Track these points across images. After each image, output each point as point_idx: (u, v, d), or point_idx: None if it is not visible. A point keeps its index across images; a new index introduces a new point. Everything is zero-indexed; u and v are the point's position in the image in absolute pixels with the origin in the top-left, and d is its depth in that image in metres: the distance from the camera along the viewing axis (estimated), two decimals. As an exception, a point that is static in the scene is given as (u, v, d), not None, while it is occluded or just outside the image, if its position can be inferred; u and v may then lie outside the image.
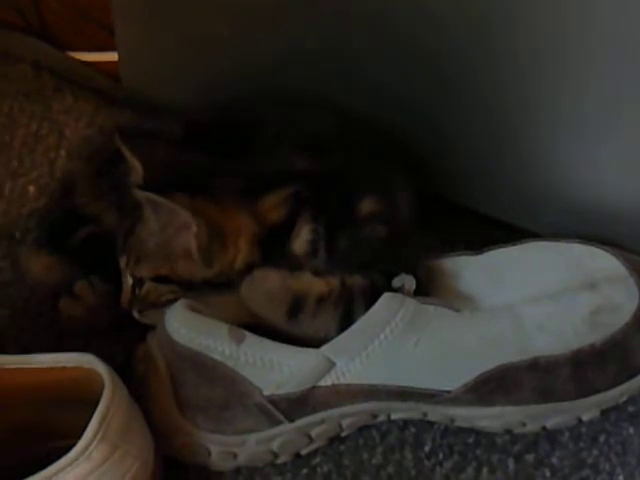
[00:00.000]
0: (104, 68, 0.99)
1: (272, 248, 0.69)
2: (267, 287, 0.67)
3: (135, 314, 0.71)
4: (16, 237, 0.84)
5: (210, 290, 0.69)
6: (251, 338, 0.65)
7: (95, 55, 1.00)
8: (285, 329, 0.67)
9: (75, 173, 0.84)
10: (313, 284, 0.67)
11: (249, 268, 0.68)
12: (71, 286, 0.75)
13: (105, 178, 0.79)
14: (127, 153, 0.71)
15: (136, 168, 0.71)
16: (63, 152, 0.91)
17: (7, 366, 0.65)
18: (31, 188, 0.88)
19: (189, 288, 0.69)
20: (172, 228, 0.67)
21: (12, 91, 0.95)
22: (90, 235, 0.78)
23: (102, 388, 0.62)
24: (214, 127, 0.78)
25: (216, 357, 0.65)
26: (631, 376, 0.66)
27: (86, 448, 0.60)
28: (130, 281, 0.71)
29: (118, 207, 0.77)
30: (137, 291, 0.71)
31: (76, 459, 0.60)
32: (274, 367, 0.65)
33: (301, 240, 0.69)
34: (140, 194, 0.67)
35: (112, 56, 0.97)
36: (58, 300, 0.76)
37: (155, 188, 0.68)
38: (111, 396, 0.61)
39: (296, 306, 0.67)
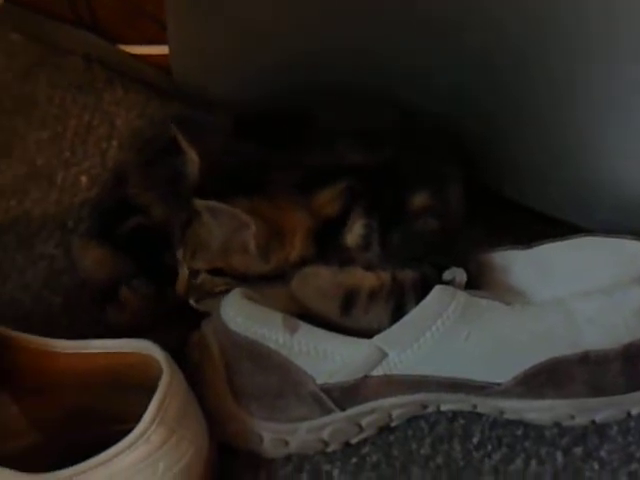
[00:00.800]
0: (155, 61, 1.00)
1: (325, 242, 0.70)
2: (319, 284, 0.68)
3: (191, 302, 0.72)
4: (69, 226, 0.85)
5: (264, 283, 0.70)
6: (305, 327, 0.66)
7: (146, 48, 1.01)
8: (338, 323, 0.68)
9: (126, 163, 0.85)
10: (364, 278, 0.68)
11: (303, 262, 0.69)
12: (116, 290, 0.76)
13: (156, 169, 0.80)
14: (184, 143, 0.72)
15: (192, 159, 0.72)
16: (114, 143, 0.92)
17: (66, 351, 0.67)
18: (83, 178, 0.89)
19: (243, 280, 0.70)
20: (230, 228, 0.68)
21: (64, 83, 0.97)
22: (138, 226, 0.79)
23: (158, 374, 0.63)
24: (266, 120, 0.78)
25: (271, 346, 0.66)
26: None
27: (145, 432, 0.61)
28: (186, 271, 0.72)
29: (168, 199, 0.78)
30: (193, 281, 0.72)
31: (135, 442, 0.61)
32: (327, 356, 0.66)
33: (354, 234, 0.70)
34: (199, 203, 0.67)
35: (163, 49, 0.98)
36: (105, 300, 0.77)
37: (211, 184, 0.69)
38: (169, 381, 0.62)
39: (348, 301, 0.68)
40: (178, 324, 0.74)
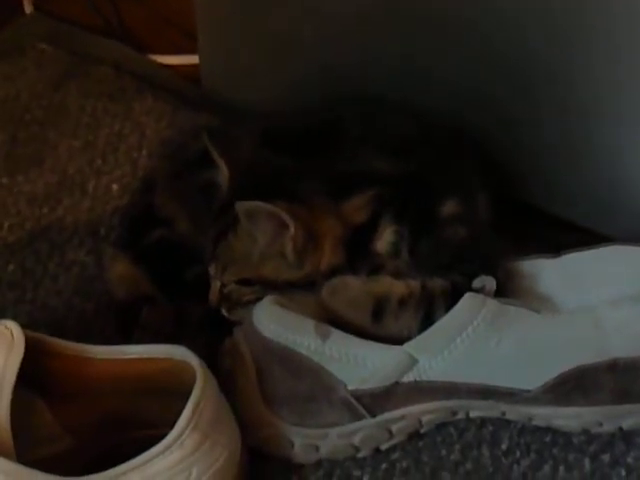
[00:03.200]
0: (184, 71, 1.01)
1: (355, 249, 0.71)
2: (349, 294, 0.69)
3: (224, 312, 0.73)
4: (100, 234, 0.86)
5: (293, 291, 0.71)
6: (336, 334, 0.67)
7: (175, 58, 1.02)
8: (369, 331, 0.68)
9: (155, 172, 0.86)
10: (394, 286, 0.69)
11: (333, 269, 0.70)
12: (138, 310, 0.77)
13: (183, 182, 0.81)
14: (215, 154, 0.73)
15: (222, 170, 0.73)
16: (145, 152, 0.93)
17: (101, 356, 0.68)
18: (114, 186, 0.90)
19: (272, 289, 0.71)
20: (267, 233, 0.69)
21: (95, 92, 0.98)
22: (162, 238, 0.80)
23: (192, 380, 0.64)
24: (295, 131, 0.79)
25: (302, 352, 0.67)
26: None
27: (179, 436, 0.62)
28: (218, 283, 0.73)
29: (195, 213, 0.79)
30: (223, 291, 0.73)
31: (169, 447, 0.62)
32: (358, 362, 0.67)
33: (384, 241, 0.71)
34: (242, 205, 0.68)
35: (192, 59, 0.99)
36: (126, 318, 0.78)
37: (241, 194, 0.70)
38: (203, 387, 0.63)
39: (379, 309, 0.68)
40: (206, 334, 0.75)
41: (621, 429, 0.70)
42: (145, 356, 0.67)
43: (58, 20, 1.06)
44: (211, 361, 0.68)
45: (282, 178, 0.73)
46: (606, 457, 0.70)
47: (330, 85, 0.87)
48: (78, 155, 0.93)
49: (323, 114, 0.81)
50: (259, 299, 0.70)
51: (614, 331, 0.67)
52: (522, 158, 0.82)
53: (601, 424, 0.69)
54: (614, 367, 0.66)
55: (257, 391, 0.68)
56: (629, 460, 0.70)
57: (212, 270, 0.73)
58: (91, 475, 0.63)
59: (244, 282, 0.72)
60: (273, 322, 0.67)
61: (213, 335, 0.74)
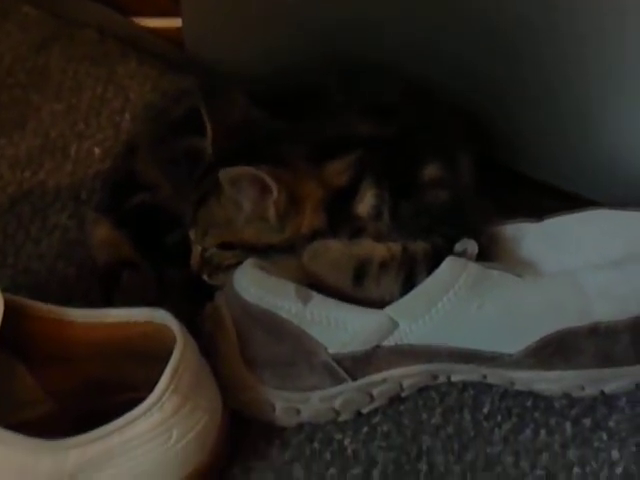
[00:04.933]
0: (168, 34, 1.00)
1: (336, 212, 0.71)
2: (330, 257, 0.69)
3: (205, 277, 0.73)
4: (82, 198, 0.86)
5: (272, 254, 0.71)
6: (317, 297, 0.67)
7: (159, 21, 1.01)
8: (350, 294, 0.68)
9: (138, 137, 0.86)
10: (375, 250, 0.69)
11: (314, 233, 0.70)
12: (119, 274, 0.77)
13: (165, 147, 0.81)
14: (205, 115, 0.72)
15: (207, 133, 0.72)
16: (128, 116, 0.93)
17: (82, 320, 0.67)
18: (97, 150, 0.90)
19: (253, 252, 0.71)
20: (251, 198, 0.69)
21: (79, 55, 0.97)
22: (143, 203, 0.80)
23: (173, 343, 0.64)
24: (279, 93, 0.79)
25: (283, 315, 0.66)
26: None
27: (159, 399, 0.62)
28: (199, 248, 0.73)
29: (176, 178, 0.79)
30: (204, 256, 0.73)
31: (149, 409, 0.62)
32: (339, 326, 0.66)
33: (365, 204, 0.70)
34: (226, 173, 0.68)
35: (176, 22, 0.98)
36: (108, 282, 0.77)
37: (224, 156, 0.70)
38: (182, 350, 0.63)
39: (360, 272, 0.68)
40: (187, 299, 0.75)
41: (603, 393, 0.70)
42: (125, 320, 0.67)
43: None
44: (192, 325, 0.68)
45: (265, 142, 0.73)
46: (587, 421, 0.70)
47: (314, 47, 0.86)
48: (61, 118, 0.92)
49: (306, 77, 0.81)
50: (240, 263, 0.69)
51: (596, 295, 0.67)
52: (506, 123, 0.82)
53: (583, 388, 0.69)
54: (595, 331, 0.66)
55: (238, 355, 0.68)
56: (610, 424, 0.70)
57: (193, 234, 0.73)
58: (71, 438, 0.63)
59: (225, 246, 0.72)
60: (254, 286, 0.67)
61: (194, 300, 0.73)
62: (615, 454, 0.67)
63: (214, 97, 0.77)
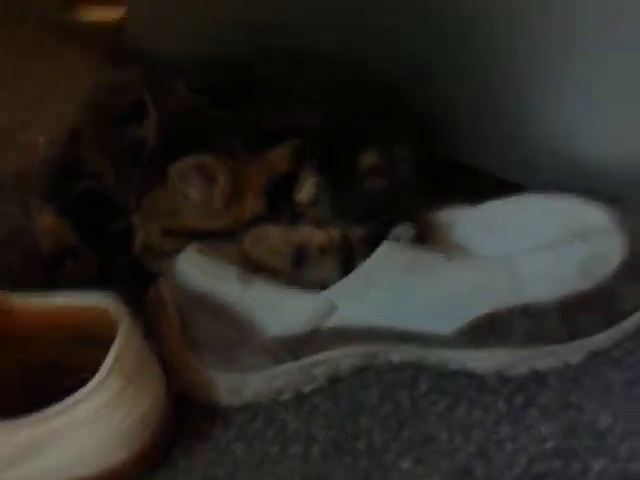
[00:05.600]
0: (111, 24, 1.01)
1: (277, 200, 0.72)
2: (270, 243, 0.71)
3: (148, 263, 0.75)
4: (27, 186, 0.87)
5: (214, 240, 0.72)
6: (258, 281, 0.68)
7: (101, 10, 1.02)
8: (291, 278, 0.70)
9: (82, 126, 0.87)
10: (314, 235, 0.71)
11: (255, 219, 0.72)
12: (63, 260, 0.78)
13: (110, 135, 0.81)
14: (149, 104, 0.74)
15: (152, 121, 0.74)
16: (72, 105, 0.93)
17: (27, 304, 0.69)
18: (41, 139, 0.91)
19: (195, 238, 0.72)
20: (197, 187, 0.71)
21: (22, 45, 0.98)
22: (87, 190, 0.81)
23: (117, 327, 0.65)
24: (220, 82, 0.80)
25: (225, 299, 0.68)
26: (617, 322, 0.70)
27: (103, 381, 0.63)
28: (143, 235, 0.75)
29: (120, 166, 0.79)
30: (146, 242, 0.75)
31: (92, 392, 0.63)
32: (280, 309, 0.68)
33: (305, 192, 0.72)
34: (175, 168, 0.69)
35: (118, 11, 0.99)
36: (52, 268, 0.79)
37: (167, 145, 0.72)
38: (126, 333, 0.65)
39: (299, 257, 0.70)
40: (131, 284, 0.76)
41: (534, 371, 0.72)
42: (71, 305, 0.68)
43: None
44: (136, 310, 0.69)
45: (207, 131, 0.74)
46: (519, 398, 0.72)
47: (255, 36, 0.87)
48: (5, 107, 0.93)
49: (248, 67, 0.82)
50: (182, 249, 0.71)
51: (527, 276, 0.69)
52: (442, 112, 0.84)
53: (515, 367, 0.72)
54: (526, 311, 0.69)
55: (181, 338, 0.70)
56: (542, 401, 0.72)
57: (136, 221, 0.75)
58: (19, 419, 0.64)
59: (168, 233, 0.73)
60: (196, 270, 0.69)
61: (138, 285, 0.75)
62: (545, 430, 0.70)
63: (157, 87, 0.78)
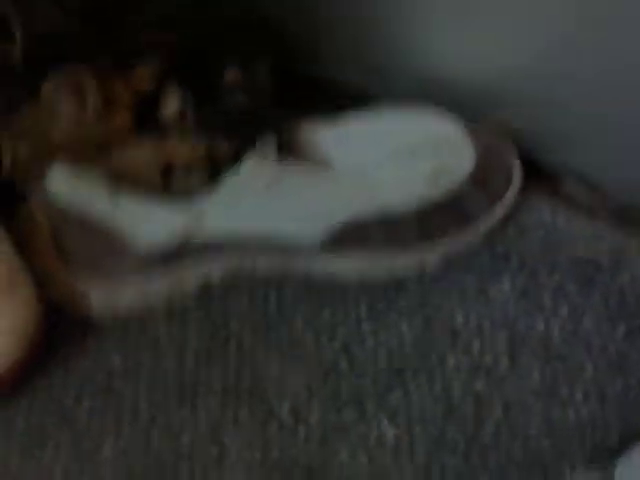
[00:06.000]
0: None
1: (144, 116, 0.74)
2: (139, 158, 0.72)
3: (17, 181, 0.76)
4: None
5: (83, 156, 0.74)
6: (127, 196, 0.70)
7: None
8: (161, 193, 0.72)
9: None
10: (180, 150, 0.73)
11: (124, 135, 0.73)
12: None
13: None
14: (13, 21, 0.74)
15: (18, 38, 0.74)
16: None
17: None
18: None
19: (63, 155, 0.73)
20: (69, 103, 0.71)
21: None
22: None
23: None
24: (89, 2, 0.81)
25: (96, 213, 0.70)
26: (467, 225, 0.75)
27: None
28: (10, 155, 0.75)
29: None
30: (16, 162, 0.75)
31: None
32: (150, 221, 0.71)
33: (170, 108, 0.74)
34: (47, 86, 0.70)
35: None
36: None
37: (31, 63, 0.72)
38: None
39: (167, 172, 0.72)
40: (1, 203, 0.77)
41: (393, 276, 0.77)
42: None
43: None
44: (7, 229, 0.71)
45: (74, 49, 0.75)
46: (381, 305, 0.76)
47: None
48: None
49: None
50: (52, 167, 0.72)
51: (385, 185, 0.73)
52: (298, 27, 0.85)
53: (374, 270, 0.76)
54: (384, 217, 0.73)
55: (53, 252, 0.72)
56: (401, 304, 0.76)
57: (4, 140, 0.75)
58: None
59: (37, 152, 0.74)
60: (66, 187, 0.70)
61: (8, 204, 0.76)
62: (404, 327, 0.74)
63: (23, 4, 0.78)
